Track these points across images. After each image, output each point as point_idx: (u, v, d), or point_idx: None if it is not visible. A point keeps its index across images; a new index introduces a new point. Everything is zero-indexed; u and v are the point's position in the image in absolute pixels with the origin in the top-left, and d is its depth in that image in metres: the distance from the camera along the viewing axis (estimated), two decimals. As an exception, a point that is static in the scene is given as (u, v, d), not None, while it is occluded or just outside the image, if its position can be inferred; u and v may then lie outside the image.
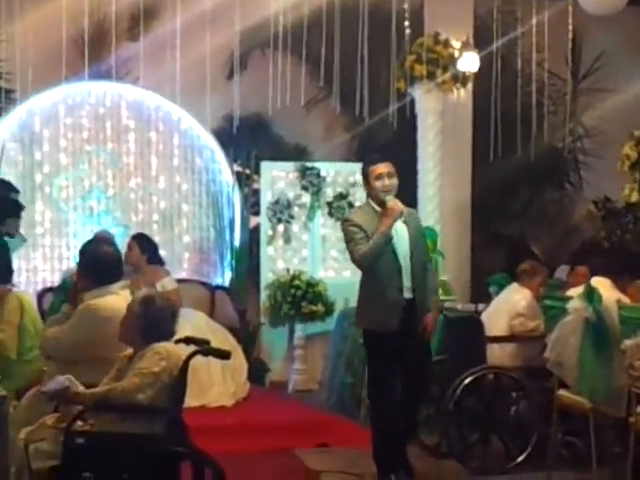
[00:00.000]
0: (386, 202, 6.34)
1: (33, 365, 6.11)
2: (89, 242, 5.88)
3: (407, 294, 6.41)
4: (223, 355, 5.12)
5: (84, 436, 4.72)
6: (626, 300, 6.48)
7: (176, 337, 5.20)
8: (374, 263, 6.35)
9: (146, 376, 4.74)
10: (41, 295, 9.54)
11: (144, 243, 8.95)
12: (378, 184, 6.39)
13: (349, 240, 6.45)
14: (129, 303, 5.06)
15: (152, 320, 4.92)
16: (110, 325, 5.16)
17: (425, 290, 6.52)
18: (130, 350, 5.03)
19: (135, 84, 10.58)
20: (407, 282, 6.40)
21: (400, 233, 6.45)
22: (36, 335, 6.28)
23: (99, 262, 5.51)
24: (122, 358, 5.04)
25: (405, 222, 6.47)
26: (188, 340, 5.26)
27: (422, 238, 6.71)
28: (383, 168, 6.42)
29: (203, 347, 5.13)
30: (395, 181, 6.44)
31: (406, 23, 9.78)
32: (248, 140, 10.98)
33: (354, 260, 6.48)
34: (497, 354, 7.42)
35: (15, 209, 8.21)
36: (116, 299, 5.34)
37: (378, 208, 6.42)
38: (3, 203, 8.23)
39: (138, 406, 4.73)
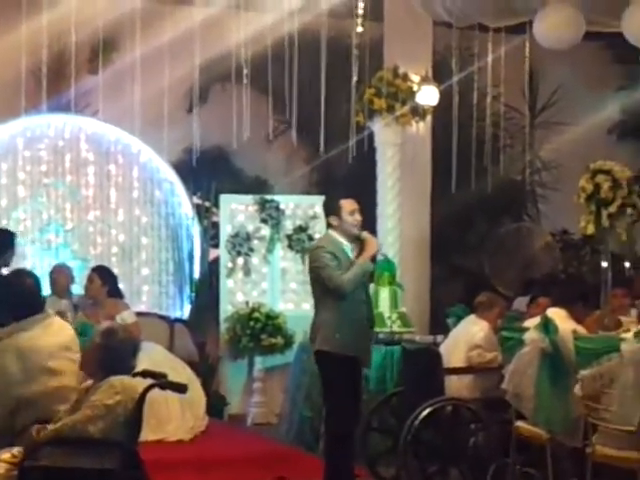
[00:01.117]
0: (360, 236, 6.64)
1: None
2: (3, 277, 5.76)
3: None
4: (180, 389, 5.10)
5: (38, 472, 4.67)
6: (582, 330, 6.53)
7: (146, 370, 5.19)
8: (351, 294, 6.52)
9: (98, 408, 4.70)
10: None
11: (105, 275, 8.89)
12: (351, 219, 6.64)
13: (323, 266, 6.56)
14: (94, 334, 5.02)
15: (113, 353, 4.90)
16: (5, 371, 5.10)
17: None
18: (90, 382, 4.99)
19: (95, 117, 10.56)
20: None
21: None
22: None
23: (12, 296, 5.41)
24: (81, 390, 5.01)
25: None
26: (145, 374, 5.22)
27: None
28: (354, 204, 6.70)
29: (160, 381, 5.10)
30: (360, 217, 6.73)
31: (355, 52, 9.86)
32: (208, 173, 10.99)
33: (333, 286, 6.54)
34: (455, 385, 7.44)
35: (12, 240, 8.17)
36: (22, 338, 5.23)
37: (343, 240, 6.62)
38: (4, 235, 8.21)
39: (90, 439, 4.69)
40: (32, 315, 5.36)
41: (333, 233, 6.69)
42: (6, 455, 4.87)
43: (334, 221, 6.69)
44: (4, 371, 5.15)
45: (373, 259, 6.72)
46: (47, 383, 5.15)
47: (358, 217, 6.67)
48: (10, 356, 5.18)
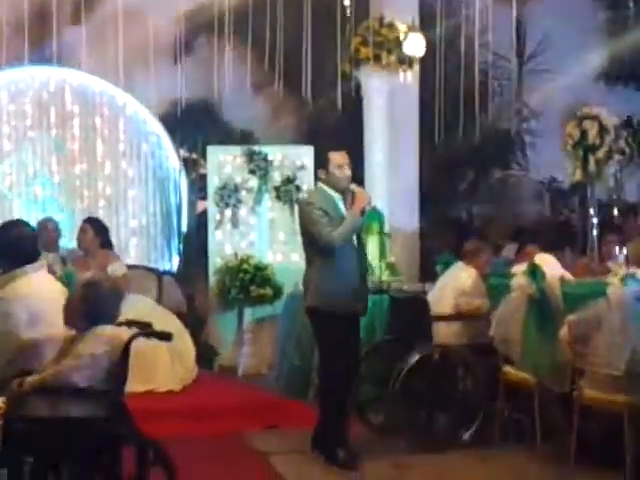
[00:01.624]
0: (349, 190, 6.56)
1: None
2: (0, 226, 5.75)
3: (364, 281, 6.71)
4: (165, 337, 5.09)
5: (23, 421, 4.67)
6: (569, 276, 6.54)
7: (131, 319, 5.21)
8: (341, 248, 6.49)
9: (83, 357, 4.70)
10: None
11: (98, 226, 8.89)
12: (339, 173, 6.57)
13: (313, 223, 6.53)
14: (77, 286, 4.99)
15: (95, 303, 4.88)
16: (17, 311, 5.10)
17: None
18: (72, 333, 4.98)
19: (79, 69, 10.45)
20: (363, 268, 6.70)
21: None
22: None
23: (8, 245, 5.39)
24: (66, 340, 4.99)
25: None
26: (130, 323, 5.21)
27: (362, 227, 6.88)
28: (343, 158, 6.63)
29: (145, 329, 5.09)
30: (350, 171, 6.66)
31: (346, 1, 9.75)
32: (195, 125, 10.94)
33: (323, 243, 6.52)
34: (443, 332, 7.45)
35: None
36: (20, 284, 5.23)
37: (334, 194, 6.58)
38: None
39: (75, 388, 4.68)
40: (28, 263, 5.36)
41: (323, 186, 6.65)
42: (-7, 405, 4.87)
43: (322, 174, 6.65)
44: (7, 316, 5.14)
45: (363, 212, 6.65)
46: (42, 331, 5.13)
47: (347, 171, 6.59)
48: (11, 301, 5.17)
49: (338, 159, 6.59)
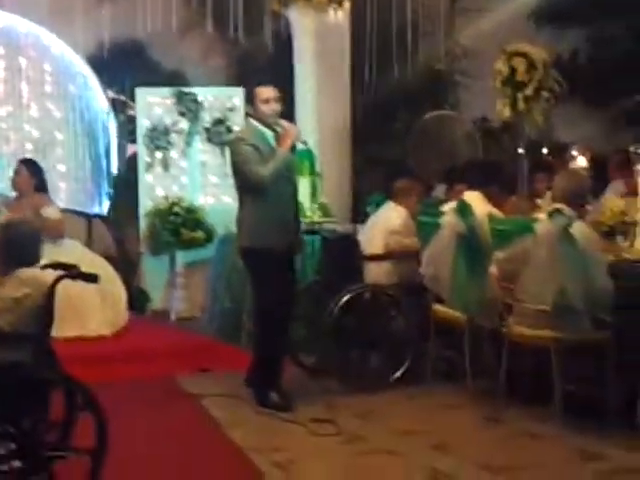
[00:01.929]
0: (278, 125, 6.45)
1: None
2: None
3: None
4: (91, 278, 5.01)
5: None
6: (498, 214, 6.56)
7: (57, 261, 5.16)
8: (274, 185, 6.39)
9: (5, 301, 4.64)
10: None
11: (33, 168, 8.76)
12: (266, 108, 6.45)
13: (244, 161, 6.44)
14: None
15: (14, 246, 4.80)
16: None
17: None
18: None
19: (3, 9, 10.20)
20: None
21: None
22: None
23: None
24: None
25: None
26: (56, 265, 5.13)
27: (295, 164, 6.83)
28: (270, 92, 6.49)
29: (71, 271, 5.01)
30: (280, 105, 6.53)
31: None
32: (123, 66, 10.77)
33: (254, 181, 6.44)
34: (374, 272, 7.45)
35: None
36: None
37: (264, 130, 6.47)
38: None
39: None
40: None
41: (252, 122, 6.56)
42: None
43: (249, 110, 6.57)
44: None
45: (294, 148, 6.57)
46: None
47: (274, 105, 6.45)
48: None
49: (264, 93, 6.46)
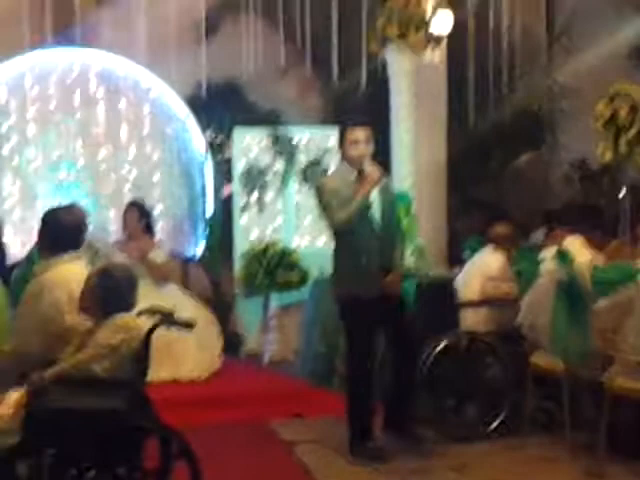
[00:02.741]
0: (363, 169, 6.30)
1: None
2: (49, 210, 5.72)
3: (384, 263, 6.42)
4: (187, 325, 5.00)
5: (45, 412, 4.61)
6: (599, 260, 6.39)
7: (154, 307, 5.16)
8: (352, 230, 6.30)
9: (102, 347, 4.65)
10: (11, 270, 9.36)
11: (142, 210, 8.89)
12: (353, 151, 6.35)
13: (325, 207, 6.40)
14: (88, 275, 4.92)
15: (110, 292, 4.81)
16: (56, 299, 5.05)
17: (394, 259, 6.51)
18: (89, 323, 4.91)
19: (103, 50, 10.36)
20: (381, 250, 6.41)
21: (374, 202, 6.41)
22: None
23: (55, 230, 5.40)
24: (83, 331, 4.92)
25: (381, 191, 6.43)
26: (152, 311, 5.14)
27: (393, 207, 6.62)
28: (359, 133, 6.37)
29: (167, 318, 5.01)
30: (371, 147, 6.42)
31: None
32: (220, 107, 10.83)
33: (332, 226, 6.46)
34: (470, 319, 7.33)
35: None
36: (65, 270, 5.20)
37: (353, 173, 6.35)
38: None
39: (95, 378, 4.63)
40: (72, 250, 5.36)
41: (342, 164, 6.50)
42: (13, 396, 4.80)
43: (340, 152, 6.50)
44: (56, 300, 5.12)
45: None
46: (72, 320, 5.06)
47: (362, 148, 6.34)
48: (55, 287, 5.15)
49: (352, 135, 6.36)
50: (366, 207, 6.31)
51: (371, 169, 6.30)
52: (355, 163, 6.36)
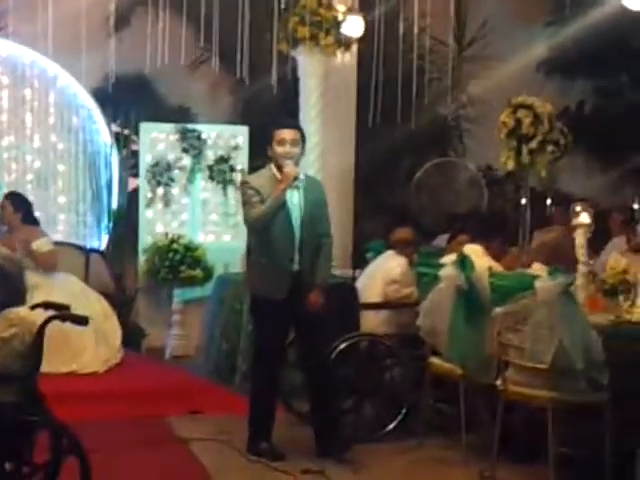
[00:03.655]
0: (283, 167, 6.30)
1: None
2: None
3: (296, 266, 6.38)
4: (81, 321, 4.93)
5: None
6: (498, 267, 6.48)
7: (48, 301, 5.10)
8: (267, 229, 6.30)
9: (-7, 341, 4.55)
10: None
11: (17, 201, 8.71)
12: (280, 149, 6.37)
13: (244, 202, 6.42)
14: None
15: (1, 286, 4.70)
16: None
17: (314, 263, 6.45)
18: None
19: (8, 38, 10.16)
20: (298, 253, 6.37)
21: (297, 203, 6.39)
22: None
23: None
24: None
25: (304, 191, 6.40)
26: (47, 305, 5.06)
27: (321, 209, 6.56)
28: (287, 134, 6.41)
29: (61, 312, 4.94)
30: (298, 150, 6.44)
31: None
32: (128, 100, 10.75)
33: (246, 222, 6.49)
34: (371, 321, 7.37)
35: None
36: None
37: (277, 173, 6.38)
38: None
39: (-15, 373, 4.54)
40: None
41: (270, 165, 6.47)
42: None
43: (269, 152, 6.47)
44: None
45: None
46: None
47: (289, 148, 6.34)
48: None
49: (280, 135, 6.38)
50: (280, 206, 6.28)
51: (288, 168, 6.29)
52: (280, 161, 6.35)
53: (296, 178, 6.33)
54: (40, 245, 8.53)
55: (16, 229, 8.58)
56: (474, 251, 6.56)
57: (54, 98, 10.44)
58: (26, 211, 8.69)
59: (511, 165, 8.55)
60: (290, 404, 7.27)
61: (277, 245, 6.35)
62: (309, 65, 10.26)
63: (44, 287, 8.24)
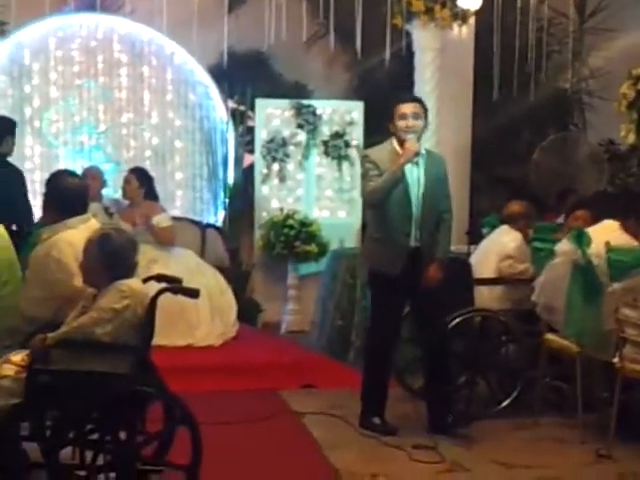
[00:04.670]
0: (405, 142, 6.22)
1: (5, 302, 5.92)
2: (53, 175, 5.69)
3: (413, 242, 6.31)
4: (192, 294, 4.97)
5: (47, 374, 4.60)
6: (635, 243, 6.28)
7: (160, 274, 5.23)
8: (384, 203, 6.24)
9: (105, 311, 4.62)
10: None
11: (142, 177, 8.86)
12: (401, 123, 6.28)
13: (363, 176, 6.40)
14: (86, 244, 4.86)
15: (112, 258, 4.76)
16: (64, 263, 5.05)
17: (434, 238, 6.39)
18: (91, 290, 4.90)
19: (127, 16, 10.31)
20: (415, 229, 6.30)
21: (416, 178, 6.30)
22: (10, 270, 6.11)
23: (60, 195, 5.38)
24: (87, 295, 4.89)
25: (424, 166, 6.31)
26: (159, 278, 5.13)
27: (442, 185, 6.48)
28: (409, 108, 6.31)
29: (172, 285, 4.99)
30: (420, 123, 6.34)
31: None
32: (245, 76, 10.77)
33: (363, 196, 6.49)
34: (485, 296, 7.25)
35: (10, 126, 8.05)
36: (71, 234, 5.18)
37: (398, 148, 6.31)
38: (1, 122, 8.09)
39: (98, 342, 4.61)
40: (77, 215, 5.34)
41: (391, 140, 6.38)
42: (17, 357, 4.79)
43: (390, 127, 6.39)
44: (64, 263, 5.12)
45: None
46: (79, 283, 5.04)
47: (411, 122, 6.24)
48: (63, 250, 5.15)
49: (402, 109, 6.28)
50: (397, 181, 6.21)
51: (409, 143, 6.21)
52: (402, 135, 6.27)
53: (417, 154, 6.24)
54: (160, 220, 8.68)
55: (138, 204, 8.73)
56: (611, 227, 6.37)
57: (171, 75, 10.55)
58: (149, 187, 8.83)
59: (632, 138, 8.31)
60: (403, 379, 7.22)
61: (394, 220, 6.29)
62: (424, 39, 10.14)
63: (161, 261, 8.40)
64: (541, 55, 10.66)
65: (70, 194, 5.40)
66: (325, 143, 10.51)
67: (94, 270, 4.79)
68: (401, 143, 6.29)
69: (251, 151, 10.62)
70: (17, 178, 7.93)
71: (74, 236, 5.14)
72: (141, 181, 8.79)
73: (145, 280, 4.98)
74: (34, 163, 10.11)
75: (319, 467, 5.70)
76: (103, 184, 9.30)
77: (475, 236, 8.72)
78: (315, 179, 10.55)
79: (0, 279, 6.02)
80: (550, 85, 11.38)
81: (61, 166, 9.74)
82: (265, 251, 10.20)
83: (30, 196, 9.60)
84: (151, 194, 8.85)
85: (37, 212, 9.39)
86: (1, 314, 5.71)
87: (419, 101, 6.50)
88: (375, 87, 11.09)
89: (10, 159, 8.23)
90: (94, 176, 9.12)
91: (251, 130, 10.65)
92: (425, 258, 6.32)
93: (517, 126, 11.94)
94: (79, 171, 8.88)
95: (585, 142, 11.53)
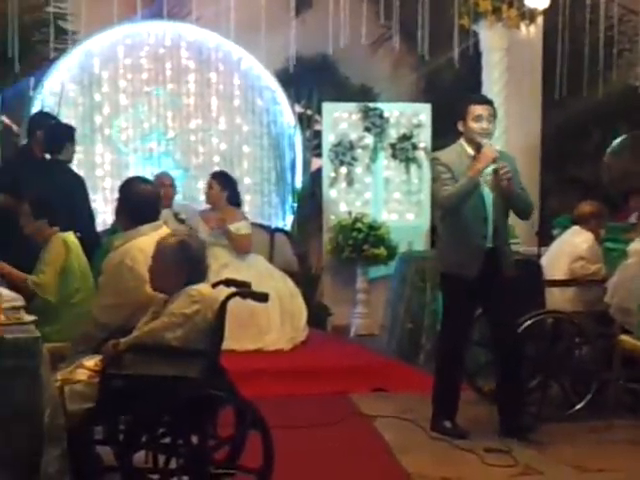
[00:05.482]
0: (482, 145, 6.15)
1: (78, 308, 6.01)
2: (126, 181, 5.74)
3: (489, 243, 6.25)
4: (261, 298, 4.98)
5: (120, 378, 4.65)
6: None
7: (229, 278, 5.22)
8: (460, 207, 6.18)
9: (176, 316, 4.65)
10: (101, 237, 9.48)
11: (223, 180, 8.94)
12: (476, 126, 6.20)
13: (434, 179, 6.36)
14: (160, 248, 4.87)
15: (191, 263, 4.81)
16: (136, 270, 5.10)
17: (506, 240, 6.38)
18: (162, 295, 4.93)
19: (194, 23, 10.37)
20: (491, 230, 6.23)
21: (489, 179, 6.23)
22: (82, 277, 6.20)
23: (132, 202, 5.41)
24: (158, 301, 4.92)
25: (496, 169, 6.20)
26: (228, 282, 5.15)
27: (514, 182, 6.34)
28: (485, 110, 6.24)
29: (241, 289, 5.01)
30: (493, 126, 6.28)
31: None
32: (311, 81, 10.80)
33: (438, 200, 6.38)
34: (557, 298, 7.17)
35: (70, 133, 8.12)
36: (143, 241, 5.22)
37: (469, 150, 6.25)
38: (59, 128, 8.15)
39: (169, 347, 4.65)
40: (149, 222, 5.36)
41: (461, 141, 6.32)
42: (90, 362, 4.84)
43: (460, 127, 6.31)
44: (136, 270, 5.13)
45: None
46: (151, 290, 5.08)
47: (486, 124, 6.18)
48: (135, 257, 5.17)
49: (477, 111, 6.19)
50: (475, 186, 6.13)
51: (487, 148, 6.14)
52: (474, 137, 6.20)
53: (495, 160, 6.16)
54: (239, 227, 8.75)
55: (221, 209, 8.80)
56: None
57: (239, 81, 10.59)
58: (231, 191, 8.89)
59: (700, 137, 8.15)
60: (475, 382, 7.18)
61: (469, 222, 6.22)
62: (491, 39, 10.09)
63: (233, 266, 8.46)
64: (611, 53, 10.51)
65: (143, 201, 5.42)
66: (392, 146, 10.48)
67: (169, 274, 4.80)
68: (471, 144, 6.23)
69: (319, 155, 10.63)
70: (78, 185, 7.94)
71: (146, 243, 5.16)
72: (222, 185, 8.87)
73: (214, 285, 5.01)
74: (104, 170, 10.21)
75: (391, 470, 5.67)
76: (174, 190, 9.35)
77: (545, 237, 8.63)
78: (383, 182, 10.51)
79: (73, 286, 6.14)
80: (620, 83, 11.21)
81: (131, 173, 9.83)
82: (334, 255, 10.19)
83: (101, 203, 9.81)
84: (234, 199, 8.92)
85: (103, 218, 9.62)
86: (74, 320, 5.81)
87: (491, 103, 6.43)
88: (442, 88, 11.03)
89: (80, 166, 8.30)
90: (165, 182, 9.17)
91: (318, 134, 10.66)
92: (500, 260, 6.25)
93: (587, 125, 11.79)
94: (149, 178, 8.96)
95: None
